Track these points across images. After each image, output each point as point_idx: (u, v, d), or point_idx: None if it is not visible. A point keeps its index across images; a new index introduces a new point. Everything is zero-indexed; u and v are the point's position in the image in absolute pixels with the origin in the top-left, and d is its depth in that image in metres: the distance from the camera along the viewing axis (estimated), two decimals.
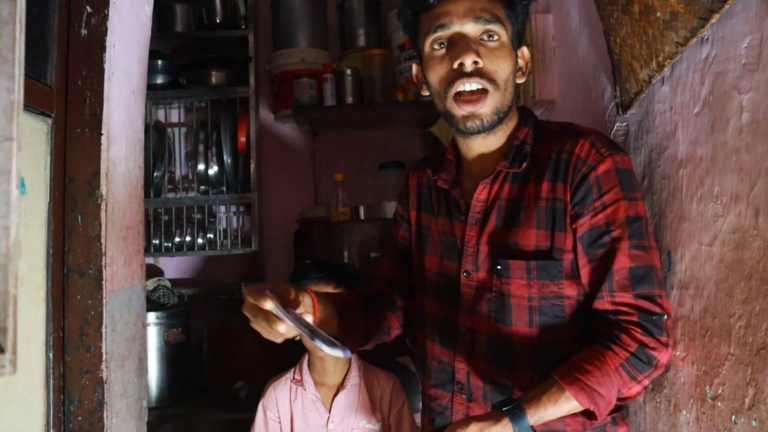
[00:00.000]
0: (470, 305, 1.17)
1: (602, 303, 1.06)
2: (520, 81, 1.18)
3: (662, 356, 1.03)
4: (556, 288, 1.10)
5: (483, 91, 1.09)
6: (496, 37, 1.10)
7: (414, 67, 1.23)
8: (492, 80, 1.09)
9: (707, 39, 0.99)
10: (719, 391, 0.97)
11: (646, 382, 1.05)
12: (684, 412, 1.10)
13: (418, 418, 1.72)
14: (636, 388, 1.04)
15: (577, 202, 1.08)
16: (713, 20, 0.92)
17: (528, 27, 1.92)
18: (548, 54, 1.88)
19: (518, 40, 1.16)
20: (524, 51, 1.19)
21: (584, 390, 1.00)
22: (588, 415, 1.03)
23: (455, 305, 1.20)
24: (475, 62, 1.08)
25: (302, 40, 2.94)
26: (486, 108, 1.10)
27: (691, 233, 1.06)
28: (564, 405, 1.00)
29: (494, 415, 0.99)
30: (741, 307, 0.90)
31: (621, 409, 1.14)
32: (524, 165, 1.13)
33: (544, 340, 1.11)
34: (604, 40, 1.38)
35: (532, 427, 0.98)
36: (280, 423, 1.77)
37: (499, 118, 1.13)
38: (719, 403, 0.97)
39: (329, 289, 1.73)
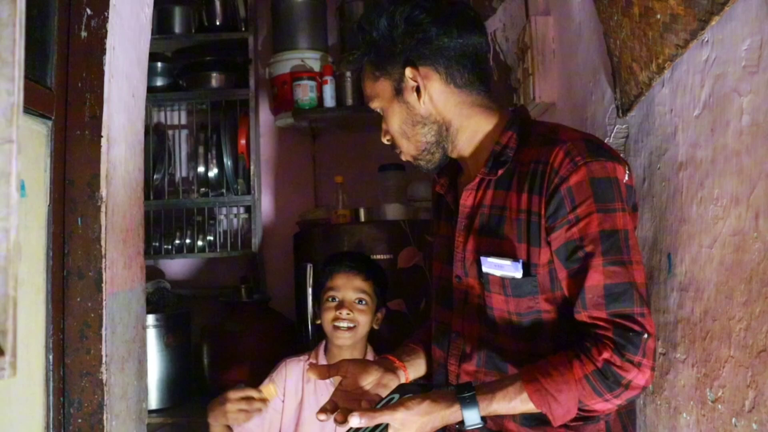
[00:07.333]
0: (461, 309, 1.18)
1: (580, 316, 1.04)
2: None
3: (634, 377, 0.97)
4: (532, 303, 1.09)
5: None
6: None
7: None
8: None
9: (707, 41, 0.99)
10: (719, 394, 0.97)
11: (617, 401, 1.00)
12: (684, 415, 1.09)
13: None
14: (601, 405, 1.00)
15: (551, 215, 1.04)
16: (713, 22, 0.92)
17: (528, 29, 1.92)
18: (548, 56, 1.88)
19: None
20: None
21: (540, 392, 0.99)
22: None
23: (449, 308, 1.21)
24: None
25: (302, 42, 2.95)
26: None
27: (691, 235, 1.06)
28: (518, 405, 1.01)
29: (448, 399, 1.01)
30: (741, 309, 0.90)
31: (592, 419, 1.07)
32: (500, 172, 1.11)
33: (527, 350, 1.10)
34: (603, 42, 1.38)
35: (482, 417, 1.00)
36: (283, 401, 1.76)
37: None
38: (719, 406, 0.97)
39: (358, 281, 1.73)
